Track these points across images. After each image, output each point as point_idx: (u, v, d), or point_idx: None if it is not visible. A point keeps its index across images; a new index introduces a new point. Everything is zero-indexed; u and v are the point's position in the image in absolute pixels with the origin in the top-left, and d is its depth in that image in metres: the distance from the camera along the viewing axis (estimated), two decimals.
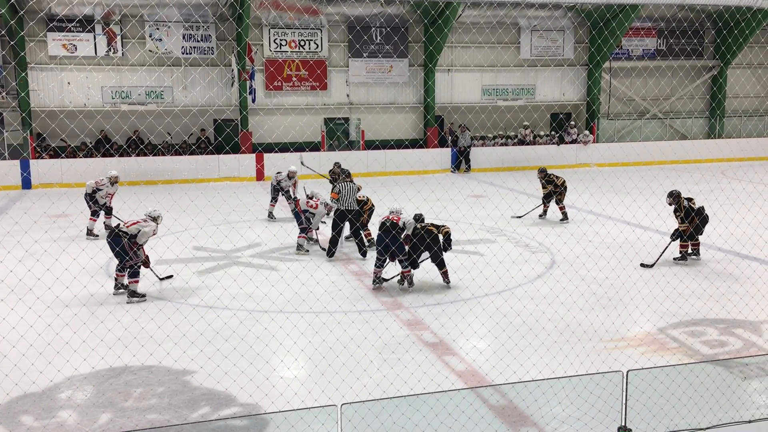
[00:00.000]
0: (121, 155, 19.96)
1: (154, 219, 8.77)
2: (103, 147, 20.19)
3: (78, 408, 5.90)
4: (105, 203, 12.55)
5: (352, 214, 10.70)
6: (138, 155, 20.02)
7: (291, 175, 14.09)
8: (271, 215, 14.27)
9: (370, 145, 22.19)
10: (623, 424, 3.07)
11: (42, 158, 19.43)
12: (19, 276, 7.82)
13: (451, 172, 22.65)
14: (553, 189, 13.61)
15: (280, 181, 14.09)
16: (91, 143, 20.52)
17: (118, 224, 9.52)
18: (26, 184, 18.92)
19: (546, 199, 13.83)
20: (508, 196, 16.23)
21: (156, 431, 5.25)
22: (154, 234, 8.60)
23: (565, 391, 4.09)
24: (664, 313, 8.01)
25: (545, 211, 14.03)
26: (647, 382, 3.97)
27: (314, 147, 21.90)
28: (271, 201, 14.35)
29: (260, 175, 20.88)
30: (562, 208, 13.67)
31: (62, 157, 19.54)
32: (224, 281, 9.21)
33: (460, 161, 22.78)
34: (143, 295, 8.47)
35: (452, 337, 7.41)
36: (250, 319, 7.91)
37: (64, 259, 8.51)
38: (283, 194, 14.14)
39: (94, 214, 12.53)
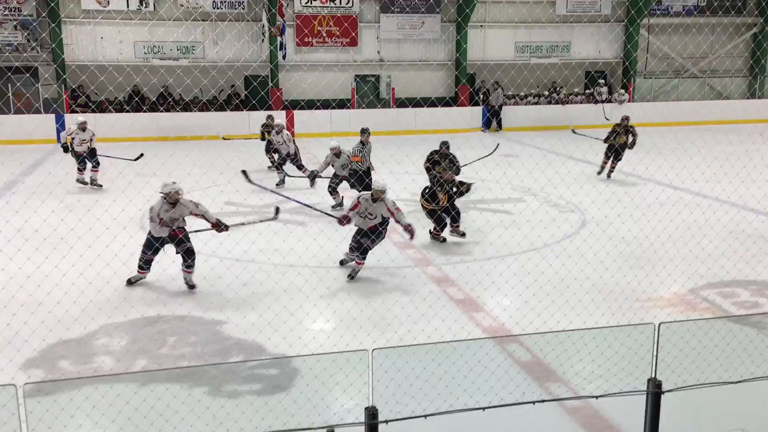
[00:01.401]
0: (152, 110, 20.10)
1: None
2: (135, 102, 20.35)
3: (113, 354, 6.08)
4: (84, 151, 12.54)
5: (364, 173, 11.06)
6: (168, 110, 20.13)
7: (279, 130, 13.16)
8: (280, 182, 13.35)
9: (400, 103, 22.04)
10: (653, 376, 3.07)
11: (75, 112, 19.66)
12: (53, 226, 7.99)
13: (482, 131, 22.41)
14: (625, 142, 13.29)
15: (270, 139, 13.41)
16: (123, 98, 20.69)
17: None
18: (61, 137, 19.19)
19: (615, 153, 13.48)
20: (538, 156, 16.04)
21: (197, 370, 5.41)
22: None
23: (595, 342, 4.10)
24: (695, 273, 7.92)
25: (611, 169, 13.69)
26: (679, 335, 3.96)
27: (344, 104, 21.81)
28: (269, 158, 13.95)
29: (291, 133, 20.87)
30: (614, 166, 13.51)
31: (95, 112, 19.74)
32: (252, 235, 9.30)
33: (491, 120, 22.52)
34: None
35: (479, 294, 7.43)
36: (279, 273, 8.01)
37: (97, 210, 8.65)
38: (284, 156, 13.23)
39: (82, 163, 12.65)
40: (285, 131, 13.16)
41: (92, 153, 12.71)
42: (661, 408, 3.11)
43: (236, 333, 6.52)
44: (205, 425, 4.57)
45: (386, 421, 2.66)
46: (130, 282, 7.58)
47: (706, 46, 25.10)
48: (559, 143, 17.10)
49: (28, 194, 11.45)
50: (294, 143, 13.24)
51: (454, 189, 9.31)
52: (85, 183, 12.78)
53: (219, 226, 7.58)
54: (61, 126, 19.02)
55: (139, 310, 6.87)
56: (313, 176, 11.60)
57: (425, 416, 2.79)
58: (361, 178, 10.97)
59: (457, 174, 9.68)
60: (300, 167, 13.23)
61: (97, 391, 5.11)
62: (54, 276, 7.07)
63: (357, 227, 8.00)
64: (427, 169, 9.78)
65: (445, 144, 10.00)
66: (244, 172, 9.07)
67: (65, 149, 12.68)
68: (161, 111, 20.16)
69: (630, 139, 13.39)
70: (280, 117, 20.78)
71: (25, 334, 6.16)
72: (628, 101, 23.60)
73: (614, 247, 8.87)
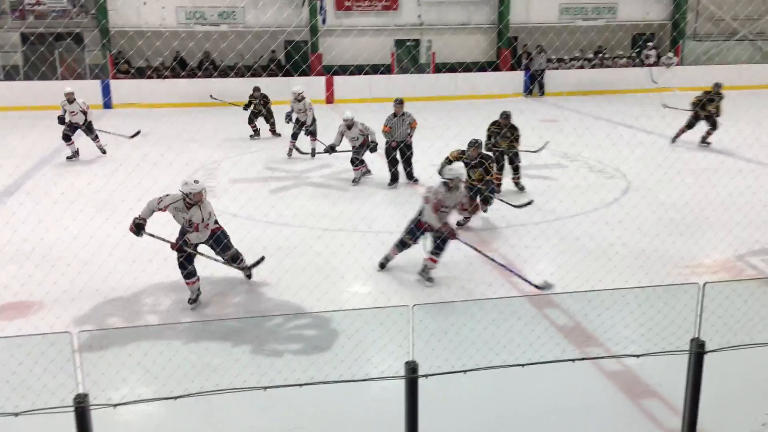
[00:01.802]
0: (194, 77, 20.22)
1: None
2: (178, 68, 20.49)
3: (158, 314, 6.21)
4: (78, 123, 12.04)
5: (402, 146, 10.38)
6: (209, 77, 20.22)
7: (298, 97, 12.66)
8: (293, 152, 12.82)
9: (441, 69, 21.74)
10: (697, 335, 2.99)
11: (119, 78, 19.91)
12: (97, 188, 8.15)
13: (524, 96, 22.01)
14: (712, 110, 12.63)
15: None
16: (166, 64, 20.85)
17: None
18: (107, 104, 19.47)
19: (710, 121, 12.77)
20: (580, 121, 15.70)
21: (240, 329, 5.48)
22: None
23: (638, 301, 4.02)
24: (744, 240, 7.68)
25: (706, 135, 12.97)
26: (724, 295, 3.85)
27: (385, 70, 21.61)
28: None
29: (330, 99, 20.82)
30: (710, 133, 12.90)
31: (137, 77, 19.97)
32: (287, 199, 9.35)
33: (533, 85, 22.08)
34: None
35: (521, 259, 7.34)
36: (315, 236, 8.04)
37: (138, 173, 8.75)
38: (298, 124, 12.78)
39: (66, 138, 12.06)
40: (307, 99, 12.68)
41: (89, 127, 12.21)
42: (703, 369, 3.03)
43: (276, 295, 6.58)
44: (249, 376, 4.63)
45: (426, 375, 2.64)
46: (191, 302, 6.38)
47: (761, 7, 24.06)
48: (602, 108, 16.69)
49: (80, 156, 11.72)
50: (312, 112, 12.89)
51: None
52: (71, 158, 12.18)
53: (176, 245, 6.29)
54: (105, 91, 19.31)
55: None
56: (330, 150, 11.07)
57: (464, 371, 2.76)
58: (402, 151, 10.46)
59: (517, 143, 9.63)
60: (313, 136, 12.77)
61: (140, 348, 5.24)
62: (99, 237, 7.21)
63: (420, 223, 6.89)
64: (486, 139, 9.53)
65: (505, 115, 9.67)
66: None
67: (60, 121, 12.03)
68: (202, 77, 20.24)
69: (716, 106, 12.72)
70: (319, 83, 20.78)
71: (73, 293, 6.31)
72: (677, 65, 22.87)
73: (663, 213, 8.65)
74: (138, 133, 11.72)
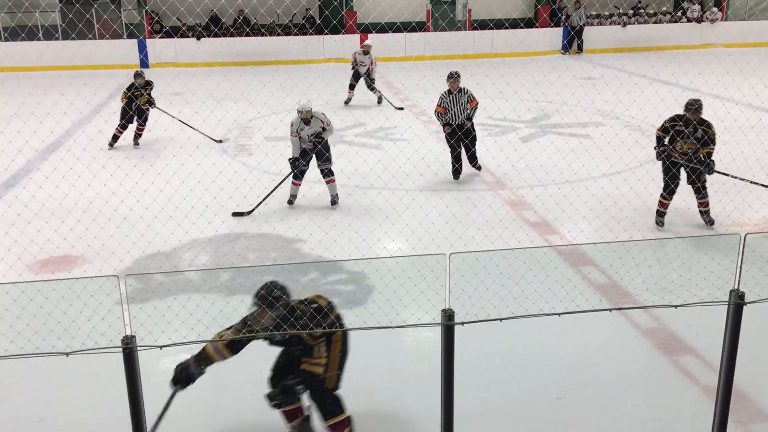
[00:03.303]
0: (229, 36, 20.20)
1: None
2: (213, 27, 20.48)
3: (199, 267, 6.33)
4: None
5: (462, 132, 8.61)
6: (245, 35, 20.19)
7: (365, 50, 13.53)
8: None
9: (475, 26, 21.36)
10: (736, 287, 2.96)
11: (154, 37, 20.00)
12: (144, 147, 8.26)
13: (562, 53, 21.56)
14: None
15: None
16: (200, 23, 20.85)
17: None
18: (143, 63, 19.60)
19: None
20: (622, 79, 15.34)
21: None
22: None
23: (677, 252, 3.99)
24: None
25: None
26: (766, 246, 3.79)
27: (419, 27, 21.31)
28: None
29: None
30: None
31: (172, 37, 20.03)
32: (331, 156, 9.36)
33: (572, 41, 21.59)
34: None
35: (555, 218, 7.30)
36: (357, 194, 8.08)
37: (173, 130, 8.87)
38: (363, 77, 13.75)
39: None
40: (371, 54, 13.62)
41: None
42: (741, 321, 3.01)
43: (309, 250, 6.66)
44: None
45: (462, 323, 2.67)
46: (290, 202, 7.90)
47: None
48: (641, 65, 16.27)
49: (110, 115, 11.88)
50: (374, 65, 13.76)
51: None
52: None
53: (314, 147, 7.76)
54: (141, 50, 19.41)
55: (220, 228, 7.07)
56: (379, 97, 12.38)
57: (500, 320, 2.79)
58: (461, 137, 8.63)
59: (710, 146, 6.86)
60: (372, 86, 13.69)
61: (177, 301, 5.37)
62: (136, 192, 7.35)
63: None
64: (658, 139, 7.07)
65: (694, 106, 6.81)
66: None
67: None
68: (237, 36, 20.23)
69: None
70: (353, 41, 20.60)
71: (113, 247, 6.47)
72: (721, 20, 22.12)
73: None
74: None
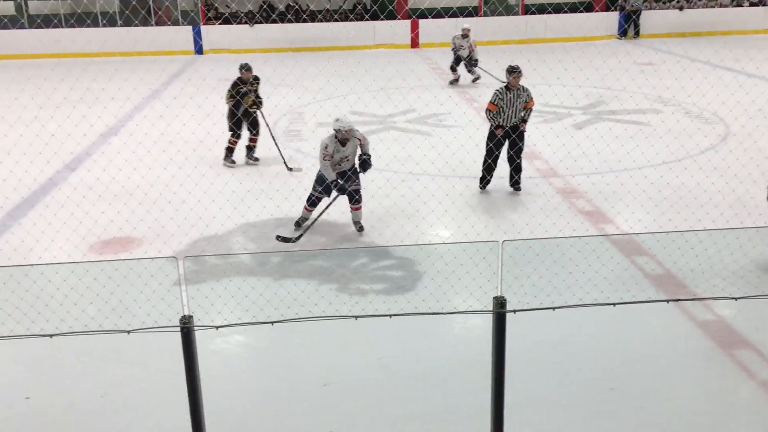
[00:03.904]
0: (283, 22, 20.39)
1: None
2: (267, 14, 20.69)
3: (253, 250, 6.47)
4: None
5: (516, 134, 7.59)
6: (301, 22, 20.33)
7: (464, 33, 13.95)
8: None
9: (530, 10, 21.02)
10: None
11: (210, 24, 20.32)
12: (192, 130, 8.46)
13: (618, 38, 21.05)
14: None
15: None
16: (253, 9, 21.09)
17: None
18: (198, 49, 19.97)
19: None
20: (680, 64, 14.92)
21: (328, 261, 5.67)
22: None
23: (739, 242, 3.90)
24: None
25: None
26: None
27: (470, 13, 21.09)
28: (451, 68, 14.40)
29: (414, 43, 20.59)
30: None
31: (228, 23, 20.32)
32: (379, 145, 9.41)
33: (629, 26, 21.05)
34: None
35: (612, 206, 7.19)
36: (410, 180, 8.10)
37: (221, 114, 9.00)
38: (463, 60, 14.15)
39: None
40: (470, 37, 14.05)
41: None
42: None
43: (366, 237, 6.73)
44: (335, 311, 4.81)
45: (514, 311, 2.68)
46: (298, 224, 6.88)
47: None
48: (701, 50, 15.78)
49: (170, 101, 12.17)
50: (474, 48, 14.18)
51: None
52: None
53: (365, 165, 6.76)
54: (196, 37, 19.75)
55: (272, 211, 7.20)
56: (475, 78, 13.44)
57: (553, 308, 2.78)
58: (511, 141, 7.66)
59: None
60: (472, 69, 14.24)
61: (233, 283, 5.51)
62: (194, 176, 7.54)
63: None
64: None
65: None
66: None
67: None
68: (290, 22, 20.40)
69: None
70: (404, 26, 20.53)
71: (172, 230, 6.66)
72: None
73: (757, 160, 8.21)
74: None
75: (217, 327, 2.98)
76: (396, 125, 10.98)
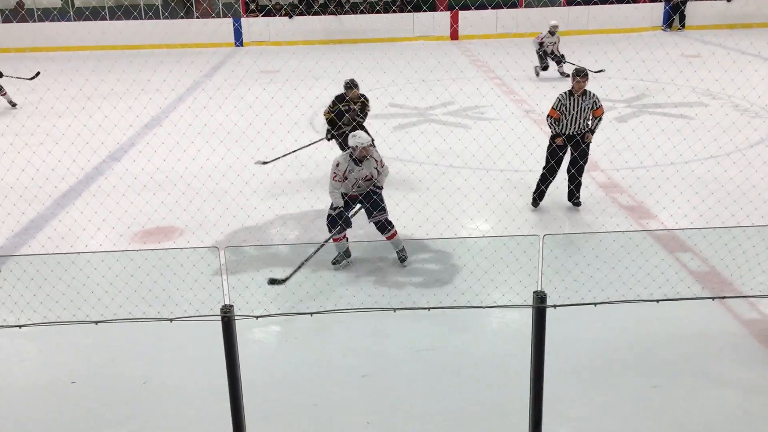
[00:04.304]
0: (325, 14, 20.45)
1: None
2: (308, 6, 20.78)
3: (290, 241, 6.54)
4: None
5: (575, 147, 6.85)
6: (340, 14, 20.38)
7: (553, 31, 13.58)
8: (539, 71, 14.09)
9: (574, 1, 20.69)
10: None
11: (250, 17, 20.50)
12: (235, 121, 8.56)
13: (663, 30, 20.59)
14: None
15: (542, 41, 13.77)
16: (292, 2, 21.20)
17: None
18: (239, 41, 20.18)
19: None
20: (728, 57, 14.53)
21: (364, 253, 5.70)
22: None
23: None
24: None
25: None
26: None
27: (512, 4, 20.86)
28: (541, 66, 14.00)
29: (455, 35, 20.46)
30: None
31: (268, 16, 20.47)
32: (413, 133, 9.40)
33: (674, 17, 20.56)
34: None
35: (652, 202, 7.05)
36: (450, 173, 8.08)
37: (272, 106, 9.08)
38: (549, 56, 13.81)
39: None
40: (557, 34, 13.65)
41: None
42: None
43: (399, 228, 6.70)
44: (374, 303, 4.83)
45: (555, 306, 2.66)
46: (337, 262, 5.92)
47: None
48: (751, 43, 15.34)
49: (213, 92, 12.33)
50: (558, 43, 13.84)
51: None
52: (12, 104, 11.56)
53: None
54: (237, 29, 19.95)
55: (310, 202, 7.25)
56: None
57: (594, 304, 2.75)
58: (575, 153, 6.87)
59: None
60: (560, 61, 13.87)
61: (272, 273, 5.57)
62: (236, 167, 7.63)
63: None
64: None
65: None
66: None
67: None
68: (332, 14, 20.46)
69: None
70: (444, 18, 20.40)
71: (214, 219, 6.77)
72: None
73: None
74: (38, 74, 11.28)
75: (257, 317, 3.02)
76: (437, 117, 10.95)
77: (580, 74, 6.80)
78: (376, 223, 5.85)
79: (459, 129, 10.11)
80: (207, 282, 5.00)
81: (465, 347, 4.70)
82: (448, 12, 20.51)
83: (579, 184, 6.96)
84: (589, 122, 6.85)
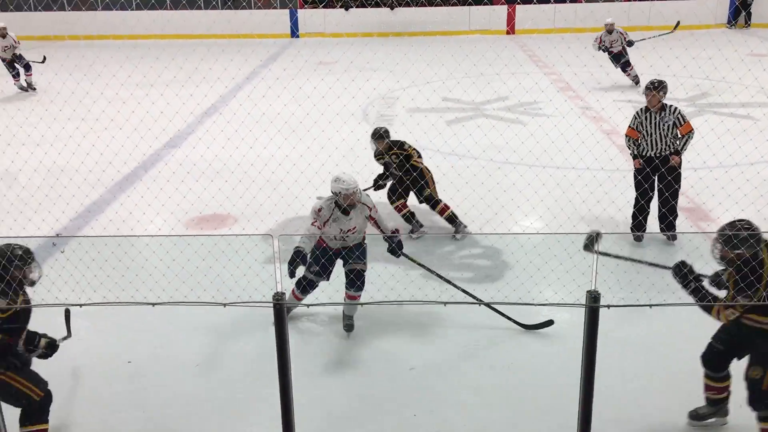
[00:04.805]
0: (383, 6, 20.46)
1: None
2: None
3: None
4: (8, 57, 13.00)
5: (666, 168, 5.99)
6: (398, 6, 20.36)
7: (609, 29, 12.48)
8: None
9: None
10: None
11: (306, 8, 20.68)
12: (292, 111, 8.66)
13: (728, 26, 19.90)
14: None
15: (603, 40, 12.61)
16: None
17: None
18: (294, 32, 20.37)
19: None
20: None
21: (414, 247, 5.71)
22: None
23: None
24: None
25: None
26: None
27: None
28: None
29: (512, 29, 20.20)
30: None
31: (327, 7, 20.60)
32: (476, 131, 9.33)
33: (740, 13, 19.85)
34: None
35: (714, 204, 6.85)
36: (506, 168, 8.01)
37: (329, 97, 9.14)
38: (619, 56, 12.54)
39: (12, 69, 13.15)
40: (617, 30, 12.54)
41: (19, 58, 13.11)
42: None
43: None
44: (424, 296, 4.85)
45: (608, 306, 2.62)
46: (288, 310, 4.45)
47: None
48: None
49: (271, 81, 12.50)
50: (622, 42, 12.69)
51: None
52: (24, 89, 13.37)
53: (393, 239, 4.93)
54: (293, 20, 20.12)
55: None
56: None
57: (650, 305, 2.70)
58: (660, 175, 6.05)
59: None
60: (626, 68, 12.75)
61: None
62: (292, 157, 7.72)
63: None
64: None
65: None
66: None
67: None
68: (390, 8, 20.47)
69: None
70: (500, 12, 20.15)
71: (269, 208, 6.87)
72: None
73: None
74: (44, 59, 12.81)
75: (309, 305, 3.07)
76: (493, 112, 10.86)
77: (653, 86, 5.91)
78: (351, 273, 4.77)
79: (516, 124, 10.00)
80: (260, 269, 5.09)
81: (514, 344, 4.68)
82: (506, 6, 20.26)
83: (672, 209, 6.07)
84: (675, 141, 5.98)
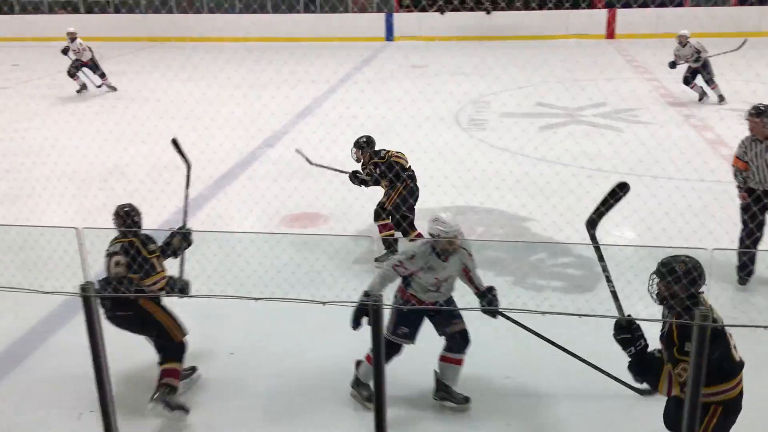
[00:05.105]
0: (480, 10, 20.33)
1: None
2: (460, 1, 20.74)
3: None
4: (84, 60, 12.93)
5: None
6: (494, 11, 20.20)
7: (682, 42, 11.12)
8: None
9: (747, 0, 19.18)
10: None
11: (402, 12, 20.81)
12: (383, 114, 8.76)
13: None
14: None
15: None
16: None
17: None
18: (389, 36, 20.54)
19: None
20: None
21: (505, 253, 5.66)
22: None
23: None
24: None
25: None
26: None
27: (678, 3, 19.69)
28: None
29: (611, 34, 19.64)
30: None
31: (424, 11, 20.67)
32: (568, 139, 9.14)
33: None
34: None
35: None
36: (597, 177, 7.80)
37: (421, 101, 9.22)
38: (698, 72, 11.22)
39: (76, 68, 13.02)
40: (692, 43, 11.11)
41: (95, 66, 13.14)
42: None
43: (540, 230, 6.59)
44: (511, 302, 4.77)
45: (721, 326, 2.48)
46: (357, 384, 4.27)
47: None
48: None
49: (364, 85, 12.68)
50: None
51: None
52: (80, 91, 13.29)
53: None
54: (388, 24, 20.29)
55: (451, 198, 7.25)
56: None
57: (765, 327, 2.54)
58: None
59: None
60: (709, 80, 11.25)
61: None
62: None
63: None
64: None
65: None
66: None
67: (64, 52, 12.90)
68: (486, 11, 20.33)
69: None
70: (600, 16, 19.61)
71: (357, 209, 6.95)
72: None
73: None
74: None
75: (405, 308, 3.09)
76: (587, 119, 10.59)
77: (753, 112, 5.18)
78: (454, 333, 4.06)
79: (610, 132, 9.72)
80: (358, 269, 5.14)
81: (604, 357, 4.54)
82: (606, 10, 19.71)
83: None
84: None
